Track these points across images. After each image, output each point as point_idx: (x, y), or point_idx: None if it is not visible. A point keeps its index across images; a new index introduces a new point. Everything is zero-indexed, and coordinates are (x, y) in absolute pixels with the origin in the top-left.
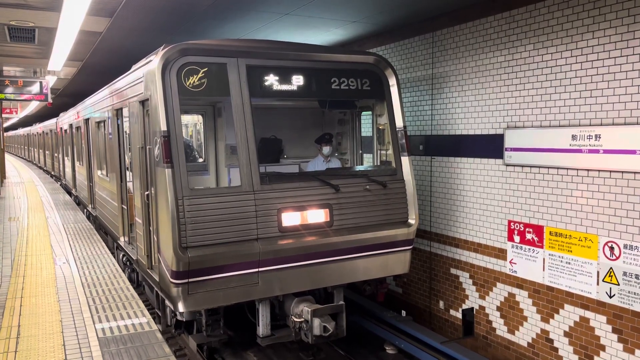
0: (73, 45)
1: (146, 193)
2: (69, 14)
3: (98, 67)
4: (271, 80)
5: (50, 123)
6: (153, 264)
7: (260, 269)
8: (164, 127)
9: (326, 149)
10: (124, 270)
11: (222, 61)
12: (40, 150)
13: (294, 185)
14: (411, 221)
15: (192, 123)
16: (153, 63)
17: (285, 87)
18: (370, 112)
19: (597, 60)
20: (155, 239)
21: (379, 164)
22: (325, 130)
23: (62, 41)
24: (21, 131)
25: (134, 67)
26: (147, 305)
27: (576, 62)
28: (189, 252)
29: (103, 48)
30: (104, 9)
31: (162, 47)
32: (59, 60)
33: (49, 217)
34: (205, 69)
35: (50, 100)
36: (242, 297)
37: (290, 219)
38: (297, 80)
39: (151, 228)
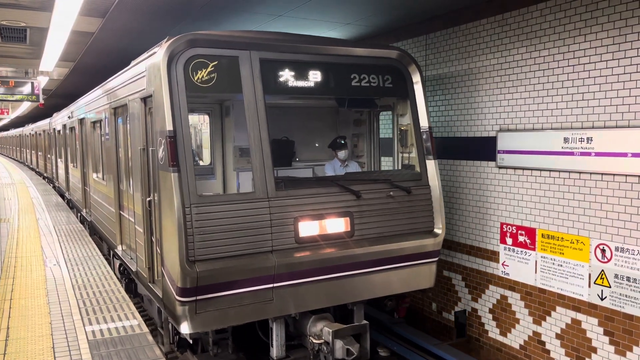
0: (65, 46)
1: (148, 199)
2: (60, 14)
3: (90, 68)
4: (286, 75)
5: (43, 124)
6: (155, 278)
7: (275, 285)
8: (169, 127)
9: (342, 154)
10: (120, 280)
11: (234, 54)
12: (33, 152)
13: (312, 192)
14: (437, 230)
15: (196, 124)
16: (157, 55)
17: (301, 83)
18: (389, 112)
19: (589, 63)
20: (159, 250)
21: (400, 167)
22: (340, 131)
23: (54, 41)
24: (13, 132)
25: (134, 62)
26: (138, 308)
27: (568, 65)
28: (197, 267)
29: (95, 49)
30: (96, 9)
31: (166, 39)
32: (51, 61)
33: (39, 219)
34: (215, 63)
35: (41, 100)
36: (254, 315)
37: (307, 228)
38: (315, 76)
39: (153, 238)
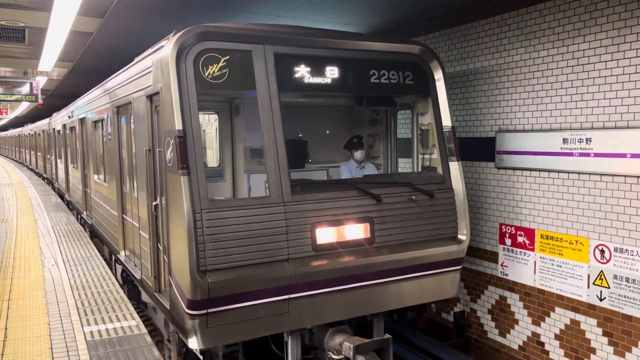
0: (64, 46)
1: (154, 203)
2: (59, 14)
3: (89, 68)
4: (302, 71)
5: (42, 124)
6: (162, 287)
7: (292, 295)
8: (179, 126)
9: (358, 154)
10: (122, 287)
11: (247, 48)
12: (32, 152)
13: (330, 196)
14: (461, 237)
15: (200, 123)
16: (165, 49)
17: (318, 79)
18: (407, 111)
19: (588, 64)
20: (166, 258)
21: (420, 170)
22: (355, 131)
23: (53, 41)
24: (12, 132)
25: (139, 57)
26: (137, 308)
27: (567, 66)
28: (209, 277)
29: (94, 49)
30: (94, 9)
31: (173, 32)
32: (50, 61)
33: (38, 219)
34: (227, 57)
35: (40, 101)
36: (269, 329)
37: (325, 235)
38: (332, 72)
39: (160, 245)
